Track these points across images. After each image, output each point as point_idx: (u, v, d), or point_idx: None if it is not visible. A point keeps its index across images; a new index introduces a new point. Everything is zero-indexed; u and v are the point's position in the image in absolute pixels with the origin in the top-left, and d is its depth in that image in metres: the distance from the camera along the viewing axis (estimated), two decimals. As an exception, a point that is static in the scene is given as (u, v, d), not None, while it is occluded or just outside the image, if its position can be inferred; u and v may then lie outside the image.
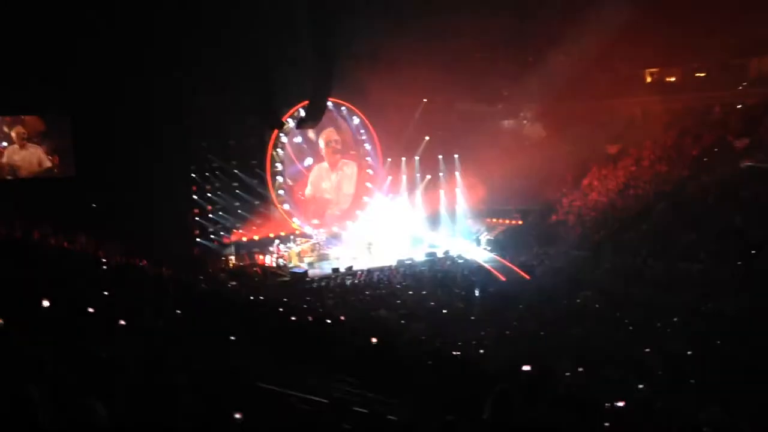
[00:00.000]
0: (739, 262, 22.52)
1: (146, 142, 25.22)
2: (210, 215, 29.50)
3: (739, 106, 30.95)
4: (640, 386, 11.90)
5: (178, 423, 4.24)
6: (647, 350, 14.59)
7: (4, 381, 3.60)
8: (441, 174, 35.43)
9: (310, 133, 32.54)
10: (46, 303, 7.78)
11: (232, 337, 9.76)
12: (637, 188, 30.86)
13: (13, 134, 25.51)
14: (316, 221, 32.83)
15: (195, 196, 28.94)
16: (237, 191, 30.17)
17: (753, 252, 22.49)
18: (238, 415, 4.40)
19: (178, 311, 11.33)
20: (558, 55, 31.97)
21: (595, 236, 29.50)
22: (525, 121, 37.81)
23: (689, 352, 14.38)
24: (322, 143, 33.24)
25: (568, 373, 12.37)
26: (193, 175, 28.82)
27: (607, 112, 33.23)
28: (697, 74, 33.86)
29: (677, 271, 23.71)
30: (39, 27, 21.63)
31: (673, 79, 35.43)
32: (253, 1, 25.62)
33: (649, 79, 36.07)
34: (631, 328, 17.22)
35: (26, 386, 3.23)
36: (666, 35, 29.09)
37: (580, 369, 12.74)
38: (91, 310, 8.54)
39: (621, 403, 8.71)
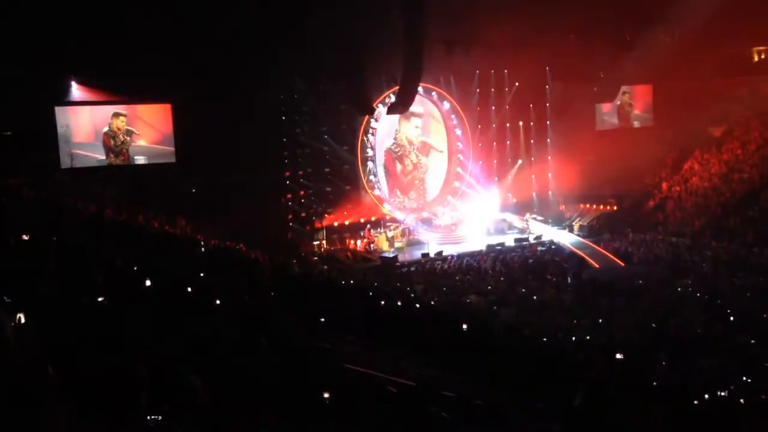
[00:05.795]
0: None
1: (242, 128, 25.92)
2: (302, 200, 30.02)
3: None
4: (745, 378, 11.39)
5: (267, 399, 4.37)
6: (753, 341, 13.95)
7: (111, 360, 3.77)
8: (533, 159, 34.90)
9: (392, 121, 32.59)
10: (148, 283, 8.17)
11: (322, 319, 9.94)
12: (743, 172, 29.47)
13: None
14: (405, 206, 32.95)
15: (288, 182, 29.50)
16: (329, 176, 30.56)
17: None
18: (326, 395, 4.48)
19: (272, 293, 11.65)
20: (658, 33, 30.76)
21: (696, 222, 28.37)
22: (622, 103, 36.56)
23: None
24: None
25: (664, 363, 11.99)
26: (287, 160, 29.37)
27: (711, 93, 31.73)
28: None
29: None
30: (139, 20, 22.47)
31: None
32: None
33: (756, 58, 34.23)
34: (733, 318, 16.45)
35: (134, 365, 3.38)
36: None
37: (678, 359, 12.30)
38: (189, 290, 8.90)
39: (723, 393, 8.37)
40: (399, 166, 33.35)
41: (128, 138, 26.55)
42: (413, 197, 33.68)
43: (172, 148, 26.93)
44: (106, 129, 26.24)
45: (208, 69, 24.22)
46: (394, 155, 33.18)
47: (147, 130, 26.95)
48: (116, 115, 26.37)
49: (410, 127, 33.40)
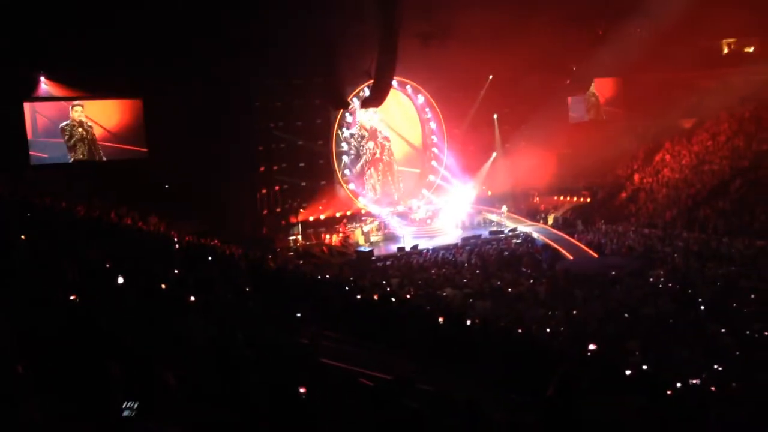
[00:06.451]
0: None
1: (216, 124, 25.71)
2: (277, 195, 29.90)
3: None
4: (716, 367, 11.58)
5: (244, 394, 4.36)
6: (723, 330, 14.17)
7: (84, 357, 3.73)
8: (505, 152, 35.15)
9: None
10: (120, 280, 8.06)
11: (298, 315, 9.92)
12: (713, 164, 29.88)
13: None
14: (379, 199, 32.95)
15: (263, 177, 29.37)
16: (304, 171, 30.46)
17: None
18: (302, 390, 4.48)
19: (247, 289, 11.57)
20: (630, 27, 31.01)
21: (667, 213, 28.72)
22: (588, 96, 36.91)
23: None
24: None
25: (636, 353, 12.15)
26: (261, 156, 29.21)
27: (682, 85, 32.11)
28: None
29: (755, 250, 22.92)
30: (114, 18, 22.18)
31: (751, 49, 34.00)
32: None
33: (726, 51, 34.70)
34: (704, 307, 16.71)
35: (106, 362, 3.34)
36: (744, 4, 27.90)
37: (651, 349, 12.47)
38: (163, 286, 8.80)
39: (695, 381, 8.50)
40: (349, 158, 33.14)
41: (84, 132, 26.12)
42: (370, 182, 33.40)
43: (129, 146, 26.63)
44: (64, 124, 25.81)
45: (181, 65, 24.00)
46: (348, 145, 32.92)
47: (98, 127, 26.56)
48: (72, 106, 25.92)
49: (363, 112, 33.04)
